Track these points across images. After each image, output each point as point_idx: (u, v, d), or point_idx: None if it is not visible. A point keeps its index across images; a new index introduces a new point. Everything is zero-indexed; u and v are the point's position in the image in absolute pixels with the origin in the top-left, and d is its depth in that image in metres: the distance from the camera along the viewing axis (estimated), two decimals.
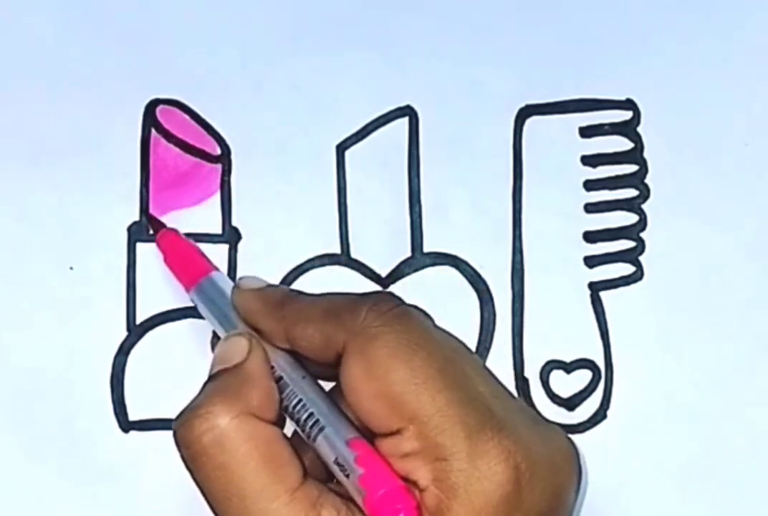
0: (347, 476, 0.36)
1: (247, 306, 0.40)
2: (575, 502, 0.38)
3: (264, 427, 0.36)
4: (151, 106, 0.46)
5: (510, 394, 0.38)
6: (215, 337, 0.42)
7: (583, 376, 0.46)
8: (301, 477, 0.36)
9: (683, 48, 0.47)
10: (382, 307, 0.37)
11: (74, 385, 0.45)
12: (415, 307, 0.38)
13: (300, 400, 0.38)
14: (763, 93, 0.47)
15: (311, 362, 0.39)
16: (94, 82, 0.46)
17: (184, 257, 0.44)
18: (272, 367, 0.38)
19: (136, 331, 0.45)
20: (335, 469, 0.36)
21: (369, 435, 0.37)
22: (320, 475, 0.38)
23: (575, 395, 0.45)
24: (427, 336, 0.37)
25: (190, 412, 0.36)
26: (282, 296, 0.40)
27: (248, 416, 0.36)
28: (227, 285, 0.42)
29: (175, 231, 0.45)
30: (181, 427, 0.36)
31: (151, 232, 0.45)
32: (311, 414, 0.37)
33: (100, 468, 0.44)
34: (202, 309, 0.42)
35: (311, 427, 0.37)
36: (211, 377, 0.38)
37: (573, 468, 0.38)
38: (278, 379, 0.38)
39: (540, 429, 0.37)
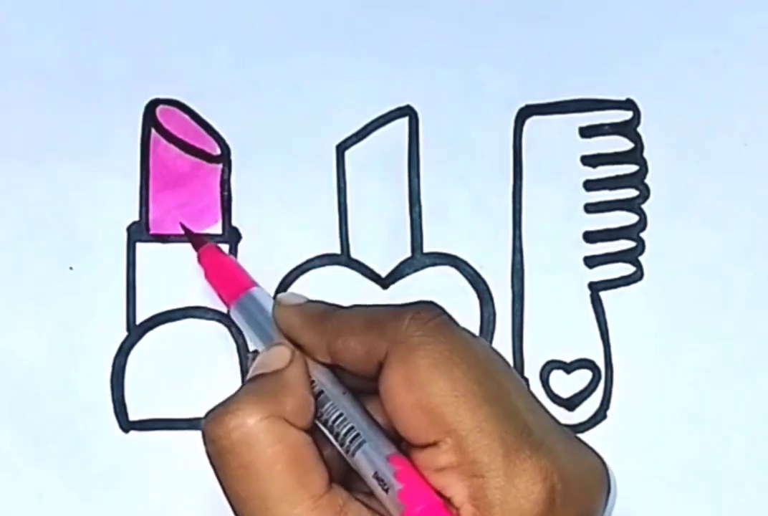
0: (386, 491, 0.36)
1: (289, 321, 0.40)
2: None
3: (294, 432, 0.36)
4: (151, 106, 0.46)
5: (545, 409, 0.38)
6: (253, 354, 0.43)
7: (583, 376, 0.46)
8: (327, 485, 0.36)
9: (683, 48, 0.47)
10: (425, 316, 0.37)
11: (74, 385, 0.45)
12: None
13: (340, 415, 0.38)
14: (763, 93, 0.47)
15: (351, 376, 0.39)
16: (94, 82, 0.46)
17: (224, 273, 0.44)
18: (312, 382, 0.39)
19: (136, 331, 0.45)
20: (373, 483, 0.36)
21: (405, 448, 0.37)
22: (345, 484, 0.38)
23: (575, 395, 0.45)
24: (468, 348, 0.37)
25: (221, 408, 0.36)
26: (322, 310, 0.40)
27: (279, 419, 0.36)
28: (267, 301, 0.42)
29: (216, 247, 0.45)
30: (210, 422, 0.36)
31: (147, 234, 0.46)
32: (351, 428, 0.37)
33: (100, 468, 0.44)
34: (242, 325, 0.42)
35: (351, 441, 0.37)
36: (249, 380, 0.38)
37: (603, 487, 0.38)
38: (318, 394, 0.38)
39: (574, 447, 0.38)
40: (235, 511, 0.36)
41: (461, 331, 0.38)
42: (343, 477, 0.38)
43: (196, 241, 0.45)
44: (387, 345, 0.36)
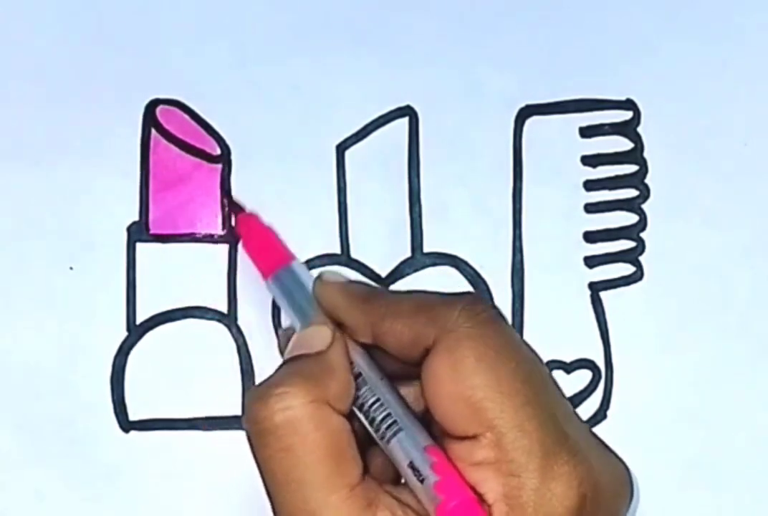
0: (421, 481, 0.36)
1: (332, 299, 0.40)
2: None
3: (337, 418, 0.36)
4: (151, 106, 0.46)
5: (578, 416, 0.38)
6: (286, 331, 0.42)
7: (583, 376, 0.46)
8: (362, 474, 0.36)
9: (683, 48, 0.47)
10: (476, 308, 0.37)
11: (74, 385, 0.45)
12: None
13: (378, 400, 0.37)
14: (763, 93, 0.47)
15: (389, 360, 0.38)
16: (94, 82, 0.46)
17: (263, 244, 0.43)
18: (351, 364, 0.38)
19: (136, 331, 0.45)
20: (408, 472, 0.36)
21: (440, 437, 0.37)
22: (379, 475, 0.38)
23: (575, 395, 0.45)
24: (516, 346, 0.37)
25: (266, 389, 0.36)
26: (368, 291, 0.40)
27: (324, 404, 0.36)
28: (307, 276, 0.41)
29: (255, 216, 0.44)
30: (255, 403, 0.36)
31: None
32: (388, 415, 0.37)
33: (100, 468, 0.45)
34: (279, 298, 0.41)
35: (387, 427, 0.37)
36: (290, 360, 0.38)
37: (628, 495, 0.38)
38: (356, 376, 0.38)
39: (604, 455, 0.38)
40: (268, 493, 0.36)
41: (510, 328, 0.38)
42: (370, 467, 0.38)
43: (235, 208, 0.45)
44: (435, 332, 0.36)
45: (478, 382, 0.35)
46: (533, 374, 0.36)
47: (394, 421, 0.37)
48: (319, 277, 0.41)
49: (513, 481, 0.35)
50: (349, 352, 0.38)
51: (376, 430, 0.37)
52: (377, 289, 0.40)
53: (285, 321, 0.45)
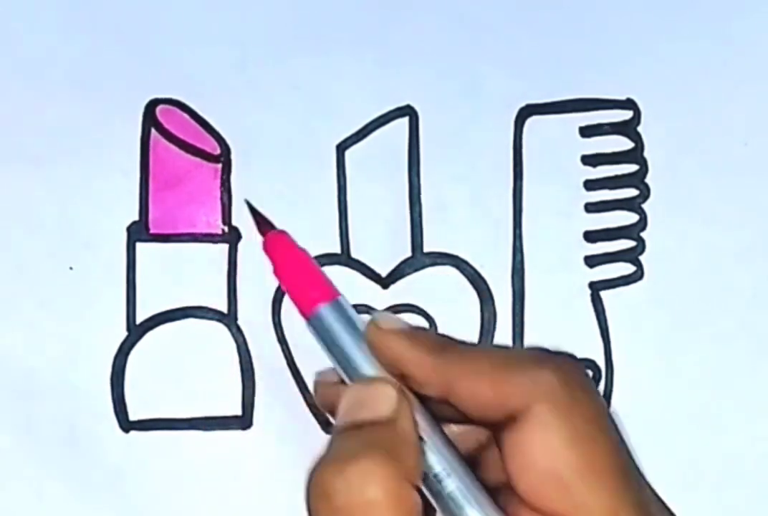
0: None
1: (395, 350, 0.34)
2: None
3: (414, 496, 0.32)
4: (151, 106, 0.46)
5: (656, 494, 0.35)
6: (323, 374, 0.37)
7: None
8: None
9: (683, 48, 0.47)
10: (571, 374, 0.33)
11: (74, 385, 0.45)
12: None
13: (444, 470, 0.33)
14: (763, 93, 0.47)
15: (453, 413, 0.34)
16: (94, 82, 0.46)
17: (300, 273, 0.36)
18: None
19: (136, 331, 0.45)
20: None
21: (518, 505, 0.33)
22: None
23: None
24: (607, 418, 0.33)
25: (344, 462, 0.31)
26: (438, 342, 0.34)
27: (403, 481, 0.31)
28: (355, 316, 0.35)
29: (287, 236, 0.36)
30: (333, 476, 0.31)
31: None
32: (457, 488, 0.33)
33: (100, 468, 0.44)
34: (321, 342, 0.35)
35: (455, 503, 0.33)
36: (356, 426, 0.33)
37: None
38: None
39: None
40: None
41: (601, 396, 0.34)
42: None
43: (262, 224, 0.37)
44: (525, 399, 0.32)
45: (572, 460, 0.32)
46: (622, 451, 0.33)
47: (463, 495, 0.33)
48: (374, 322, 0.35)
49: None
50: (413, 413, 0.34)
51: (440, 502, 0.33)
52: (447, 339, 0.35)
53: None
